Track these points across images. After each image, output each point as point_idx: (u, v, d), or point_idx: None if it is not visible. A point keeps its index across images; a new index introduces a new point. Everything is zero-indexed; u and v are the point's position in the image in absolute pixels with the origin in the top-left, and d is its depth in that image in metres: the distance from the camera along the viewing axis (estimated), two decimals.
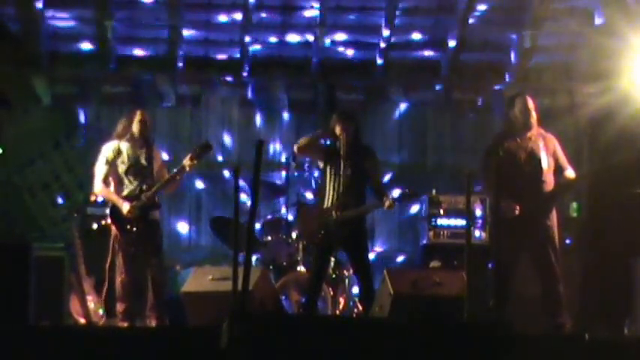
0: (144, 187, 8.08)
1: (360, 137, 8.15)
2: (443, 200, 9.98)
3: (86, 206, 9.76)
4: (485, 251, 8.32)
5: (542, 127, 8.06)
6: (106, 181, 8.16)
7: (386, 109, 11.33)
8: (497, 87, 11.15)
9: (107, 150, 8.18)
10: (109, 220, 8.16)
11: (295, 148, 8.24)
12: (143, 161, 8.13)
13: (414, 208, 10.70)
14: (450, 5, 10.48)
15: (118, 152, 8.15)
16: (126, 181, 8.13)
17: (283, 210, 9.88)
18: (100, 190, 8.24)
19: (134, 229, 8.02)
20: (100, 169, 8.17)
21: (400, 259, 11.00)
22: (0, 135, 10.31)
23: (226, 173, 10.87)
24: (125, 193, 8.12)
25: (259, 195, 6.84)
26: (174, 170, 8.11)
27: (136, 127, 8.15)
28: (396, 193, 8.24)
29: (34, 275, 7.29)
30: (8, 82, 10.43)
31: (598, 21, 10.18)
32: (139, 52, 10.93)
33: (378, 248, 10.92)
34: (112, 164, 8.14)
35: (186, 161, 8.02)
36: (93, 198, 9.44)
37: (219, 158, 11.05)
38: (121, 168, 8.12)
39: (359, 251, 8.05)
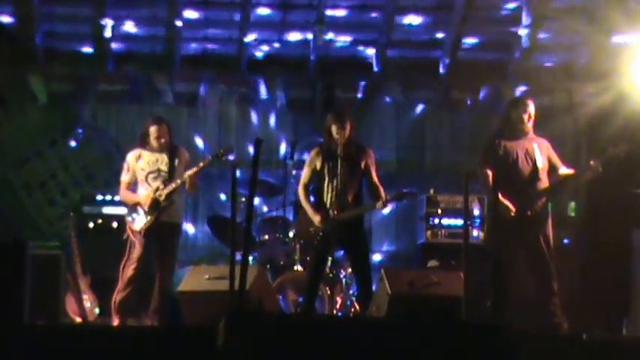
0: (160, 186, 8.17)
1: (356, 136, 8.12)
2: (441, 200, 9.97)
3: (82, 205, 9.74)
4: (482, 251, 8.30)
5: (538, 129, 8.11)
6: (128, 189, 8.33)
7: (384, 108, 11.30)
8: (495, 86, 11.12)
9: (129, 157, 8.35)
10: (128, 220, 8.23)
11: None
12: (162, 166, 8.26)
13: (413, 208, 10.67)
14: (449, 4, 10.45)
15: (138, 159, 8.29)
16: (145, 186, 8.24)
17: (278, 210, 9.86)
18: (123, 197, 8.40)
19: (150, 230, 8.11)
20: (123, 177, 8.36)
21: (397, 258, 10.96)
22: None
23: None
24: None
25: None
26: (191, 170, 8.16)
27: (153, 142, 8.28)
28: (390, 193, 8.18)
29: (29, 274, 7.25)
30: (4, 80, 10.42)
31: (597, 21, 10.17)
32: (136, 49, 10.89)
33: (376, 248, 10.88)
34: (133, 171, 8.29)
35: (202, 161, 8.19)
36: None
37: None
38: (141, 175, 8.27)
39: (359, 251, 8.02)
